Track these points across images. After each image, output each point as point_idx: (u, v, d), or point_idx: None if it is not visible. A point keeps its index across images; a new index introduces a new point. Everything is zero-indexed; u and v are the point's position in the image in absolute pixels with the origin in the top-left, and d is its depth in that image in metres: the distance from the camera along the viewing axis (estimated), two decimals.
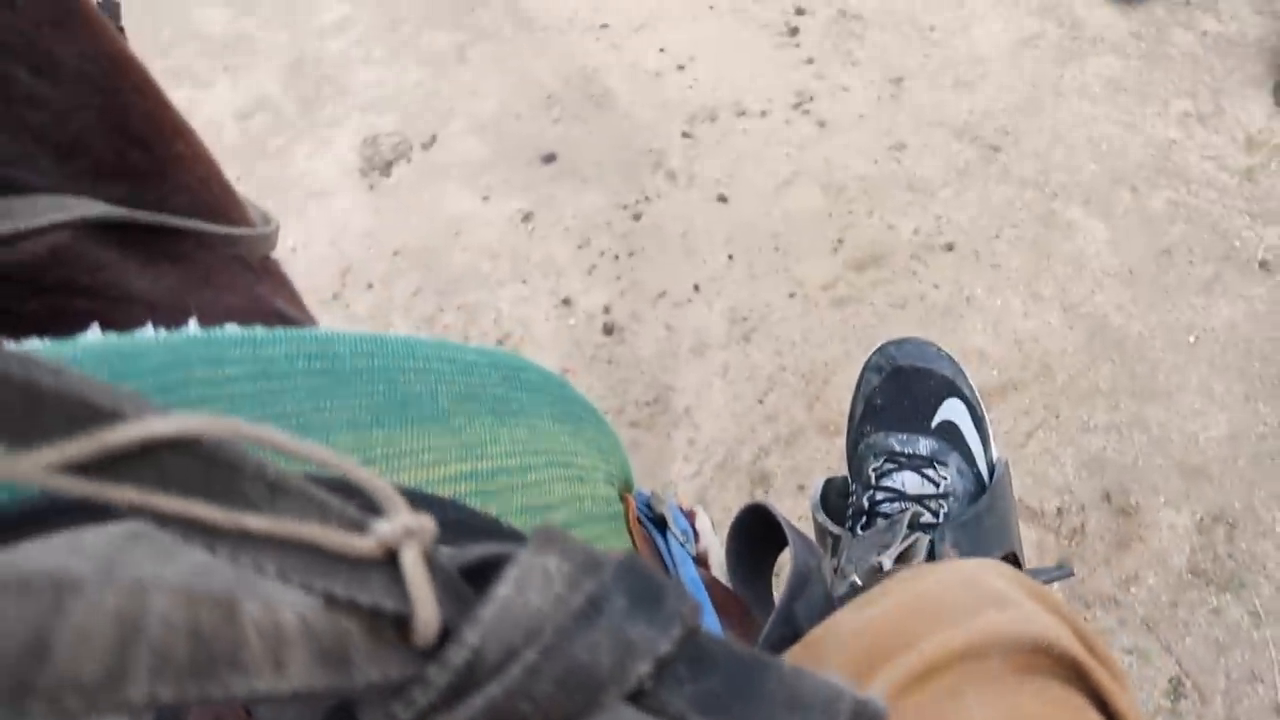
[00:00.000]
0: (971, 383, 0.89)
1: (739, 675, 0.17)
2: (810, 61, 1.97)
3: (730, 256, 1.67)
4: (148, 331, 0.28)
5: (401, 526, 0.15)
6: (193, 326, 0.29)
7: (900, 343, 0.94)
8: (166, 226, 0.39)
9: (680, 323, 1.60)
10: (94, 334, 0.28)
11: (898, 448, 0.80)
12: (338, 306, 1.72)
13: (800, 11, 2.07)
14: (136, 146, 0.43)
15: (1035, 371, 1.45)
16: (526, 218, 1.80)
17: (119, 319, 0.32)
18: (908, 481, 0.75)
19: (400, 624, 0.15)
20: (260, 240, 0.51)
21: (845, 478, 0.85)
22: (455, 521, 0.27)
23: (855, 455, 0.82)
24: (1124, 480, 1.34)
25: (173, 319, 0.34)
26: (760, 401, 1.49)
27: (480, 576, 0.17)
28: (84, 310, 0.32)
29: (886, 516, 0.73)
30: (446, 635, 0.16)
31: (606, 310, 1.64)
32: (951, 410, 0.86)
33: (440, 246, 1.80)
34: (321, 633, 0.15)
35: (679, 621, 0.17)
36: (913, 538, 0.66)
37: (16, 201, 0.32)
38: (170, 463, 0.14)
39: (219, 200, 0.48)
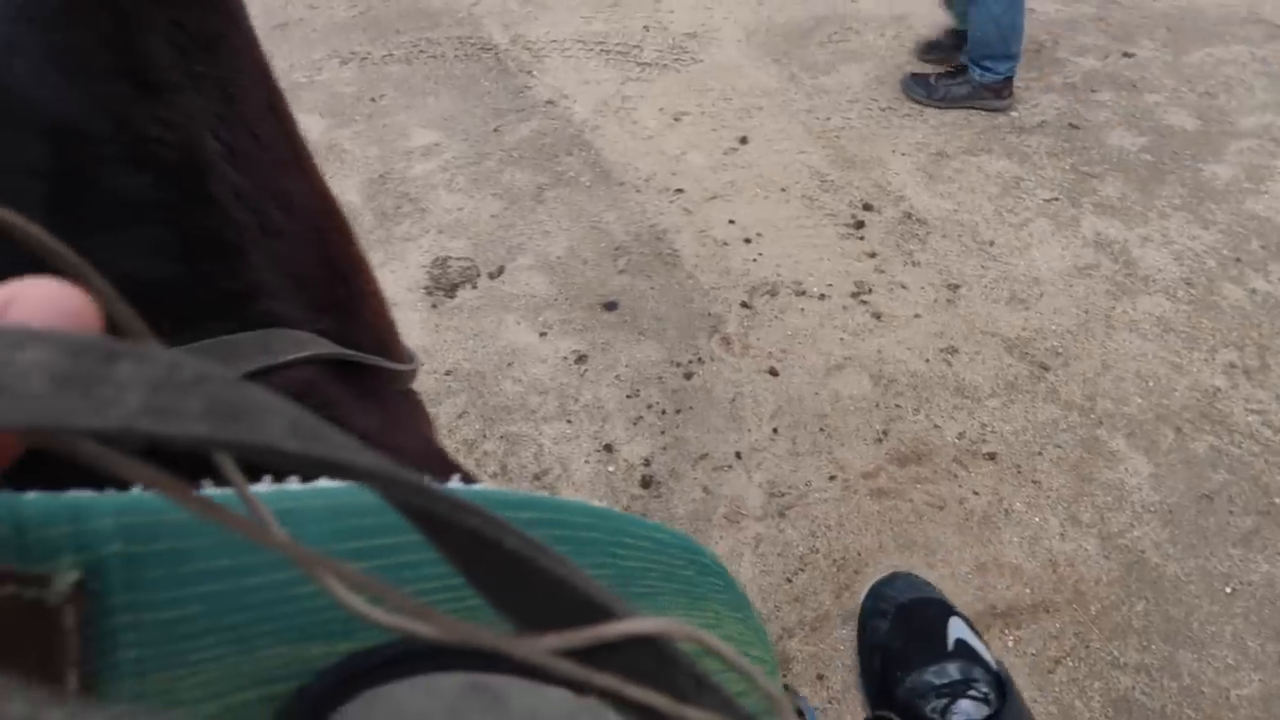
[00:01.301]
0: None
1: None
2: (872, 255, 2.05)
3: (775, 430, 1.69)
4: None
5: None
6: (456, 482, 0.30)
7: (889, 580, 0.98)
8: (366, 364, 0.41)
9: (718, 487, 1.61)
10: None
11: (936, 681, 0.81)
12: None
13: (868, 207, 2.17)
14: (341, 281, 0.46)
15: (1068, 596, 1.44)
16: (580, 359, 1.84)
17: None
18: (969, 709, 0.76)
19: None
20: (412, 375, 0.53)
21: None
22: None
23: (896, 702, 0.83)
24: None
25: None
26: (789, 580, 1.48)
27: None
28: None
29: None
30: None
31: (647, 463, 1.65)
32: (958, 629, 0.88)
33: (492, 374, 1.84)
34: None
35: None
36: None
37: (273, 335, 0.34)
38: (634, 654, 0.15)
39: (389, 335, 0.51)
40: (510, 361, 1.86)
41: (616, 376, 1.81)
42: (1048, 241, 2.08)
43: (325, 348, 0.38)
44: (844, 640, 1.41)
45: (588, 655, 0.15)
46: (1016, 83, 2.50)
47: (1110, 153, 2.35)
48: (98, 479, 0.26)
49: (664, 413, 1.73)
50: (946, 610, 0.90)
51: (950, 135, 2.43)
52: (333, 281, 0.44)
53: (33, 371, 0.13)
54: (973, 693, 0.80)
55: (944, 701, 0.78)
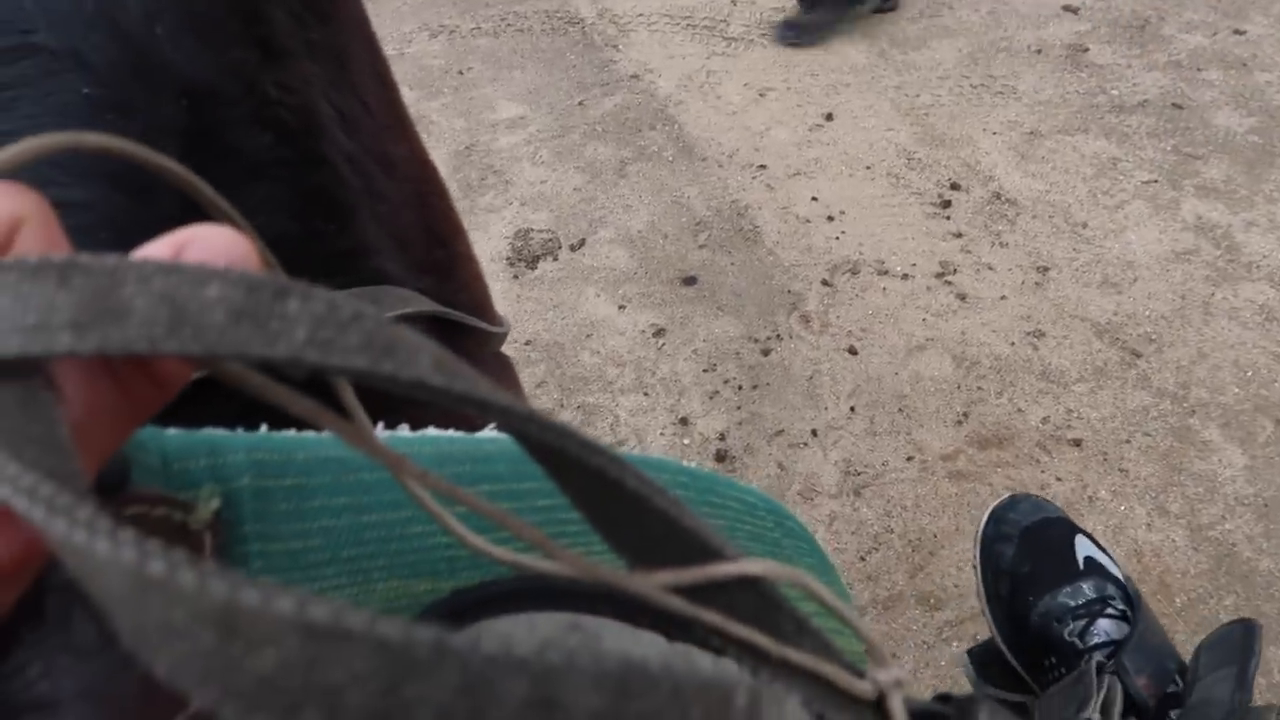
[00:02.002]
0: None
1: None
2: (958, 235, 2.01)
3: (853, 409, 1.68)
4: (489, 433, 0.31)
5: (893, 678, 0.17)
6: None
7: (1011, 504, 0.97)
8: (463, 324, 0.43)
9: (793, 464, 1.61)
10: (492, 431, 0.31)
11: (1071, 603, 0.82)
12: None
13: (955, 186, 2.13)
14: (439, 244, 0.47)
15: (1152, 587, 1.41)
16: (658, 333, 1.86)
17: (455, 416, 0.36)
18: (1109, 628, 0.77)
19: None
20: (503, 338, 0.55)
21: (993, 647, 0.87)
22: None
23: (1029, 627, 0.83)
24: None
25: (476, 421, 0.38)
26: (862, 559, 1.48)
27: None
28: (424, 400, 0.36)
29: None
30: None
31: (722, 437, 1.66)
32: (1084, 546, 0.88)
33: (570, 345, 1.86)
34: None
35: None
36: (1105, 684, 0.68)
37: (382, 291, 0.36)
38: (738, 595, 0.16)
39: (483, 298, 0.52)
40: (589, 333, 1.88)
41: (694, 351, 1.82)
42: (1145, 224, 2.01)
43: (428, 305, 0.40)
44: (916, 621, 1.40)
45: (695, 594, 0.16)
46: (1118, 60, 2.41)
47: (1215, 134, 2.25)
48: (228, 420, 0.28)
49: (740, 388, 1.74)
50: (1071, 529, 0.90)
51: (1045, 114, 2.36)
52: (431, 244, 0.46)
53: (215, 305, 0.14)
54: (1110, 611, 0.81)
55: (1081, 623, 0.79)
